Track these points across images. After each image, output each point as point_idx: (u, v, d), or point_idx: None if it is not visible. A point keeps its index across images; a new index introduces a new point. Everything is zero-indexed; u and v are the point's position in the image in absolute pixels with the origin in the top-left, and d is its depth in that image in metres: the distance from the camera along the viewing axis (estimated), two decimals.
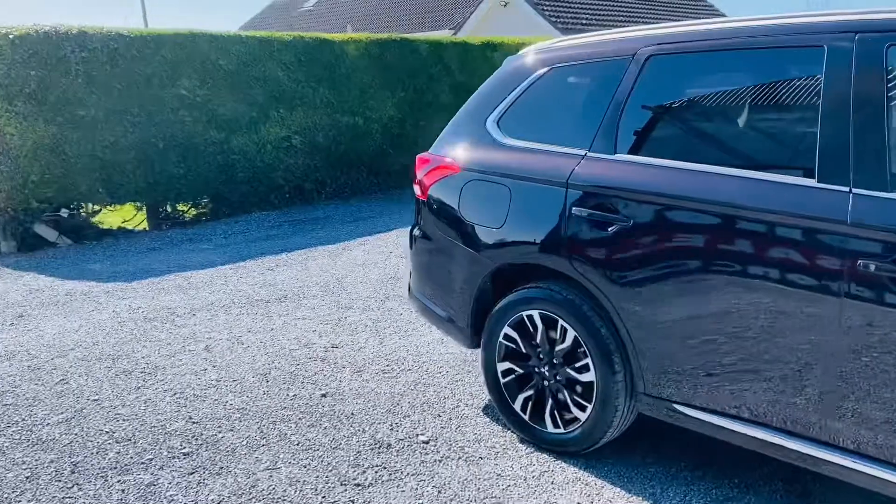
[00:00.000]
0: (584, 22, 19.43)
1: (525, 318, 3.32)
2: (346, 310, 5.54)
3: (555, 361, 3.26)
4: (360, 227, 8.61)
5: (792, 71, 2.70)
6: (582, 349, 3.13)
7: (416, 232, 3.90)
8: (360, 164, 10.80)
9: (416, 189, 3.87)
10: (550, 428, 3.32)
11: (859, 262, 2.32)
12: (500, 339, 3.43)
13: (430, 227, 3.78)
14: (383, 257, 7.13)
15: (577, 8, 20.58)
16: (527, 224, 3.27)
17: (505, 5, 19.76)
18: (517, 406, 3.43)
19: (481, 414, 3.76)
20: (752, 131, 2.87)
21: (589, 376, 3.12)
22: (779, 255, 2.51)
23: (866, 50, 2.40)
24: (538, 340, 3.30)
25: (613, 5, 22.26)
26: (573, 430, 3.23)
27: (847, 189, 2.39)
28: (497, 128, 3.49)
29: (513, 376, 3.45)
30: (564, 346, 3.20)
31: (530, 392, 3.38)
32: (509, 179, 3.34)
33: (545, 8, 19.23)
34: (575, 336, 3.13)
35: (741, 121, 2.89)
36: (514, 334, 3.38)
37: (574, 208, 3.06)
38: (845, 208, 2.37)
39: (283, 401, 3.97)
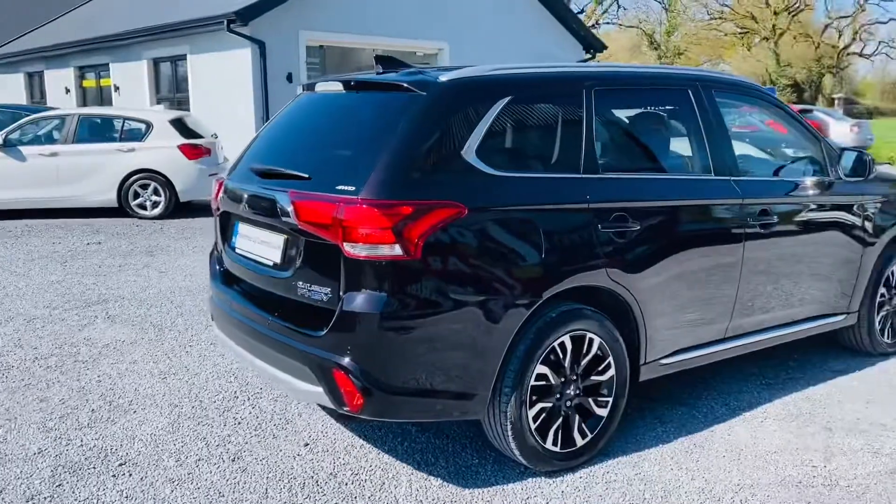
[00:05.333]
0: None
1: (557, 348, 3.27)
2: None
3: (574, 378, 3.39)
4: None
5: (671, 101, 3.85)
6: (600, 352, 3.45)
7: (386, 309, 2.87)
8: None
9: (379, 250, 2.84)
10: (580, 442, 3.43)
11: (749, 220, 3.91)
12: (532, 382, 3.21)
13: (428, 292, 2.91)
14: None
15: None
16: (566, 251, 3.22)
17: None
18: (549, 443, 3.32)
19: None
20: (678, 144, 3.85)
21: (609, 373, 3.48)
22: (716, 226, 3.80)
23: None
24: (567, 364, 3.33)
25: None
26: (599, 429, 3.49)
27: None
28: (480, 161, 3.09)
29: (543, 416, 3.30)
30: (589, 356, 3.40)
31: (559, 421, 3.35)
32: (534, 212, 3.15)
33: None
34: (600, 342, 3.42)
35: (678, 137, 3.81)
36: (545, 370, 3.26)
37: (599, 225, 3.33)
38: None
39: None
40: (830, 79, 56.39)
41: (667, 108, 3.85)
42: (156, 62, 15.07)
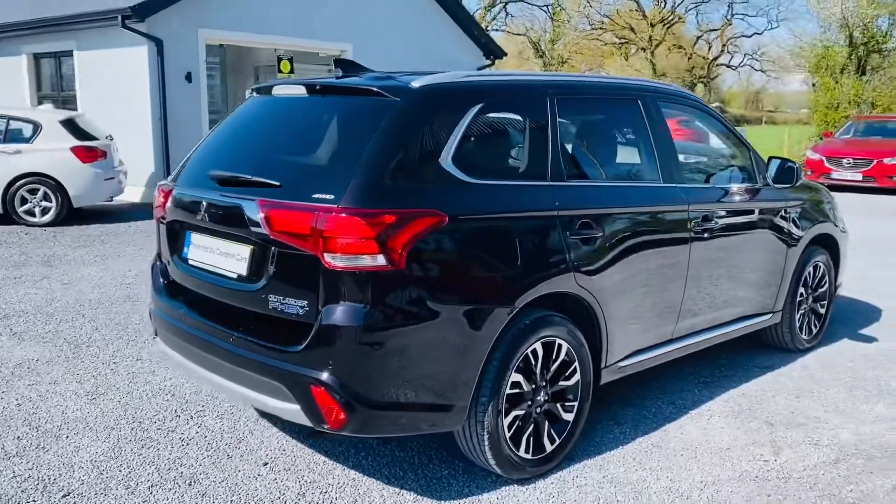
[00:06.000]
0: None
1: (529, 355, 3.28)
2: None
3: (543, 384, 3.41)
4: None
5: (623, 110, 3.94)
6: (567, 358, 3.49)
7: (368, 321, 2.79)
8: None
9: (360, 261, 2.75)
10: (549, 447, 3.44)
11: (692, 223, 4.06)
12: (507, 391, 3.21)
13: (412, 303, 2.84)
14: None
15: None
16: (539, 258, 3.23)
17: None
18: (522, 451, 3.33)
19: None
20: (630, 152, 3.91)
21: (575, 378, 3.52)
22: (667, 231, 3.92)
23: None
24: (538, 371, 3.34)
25: None
26: (566, 433, 3.52)
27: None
28: (457, 168, 3.05)
29: (517, 423, 3.30)
30: (558, 362, 3.43)
31: (530, 428, 3.36)
32: (508, 220, 3.15)
33: None
34: (567, 348, 3.45)
35: (630, 145, 3.87)
36: (519, 378, 3.26)
37: (567, 231, 3.36)
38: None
39: None
40: (702, 88, 59.73)
41: (620, 117, 3.95)
42: (37, 58, 14.05)
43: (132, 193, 11.89)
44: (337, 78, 3.45)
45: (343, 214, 2.77)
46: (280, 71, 14.16)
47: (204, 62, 12.62)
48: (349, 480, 3.37)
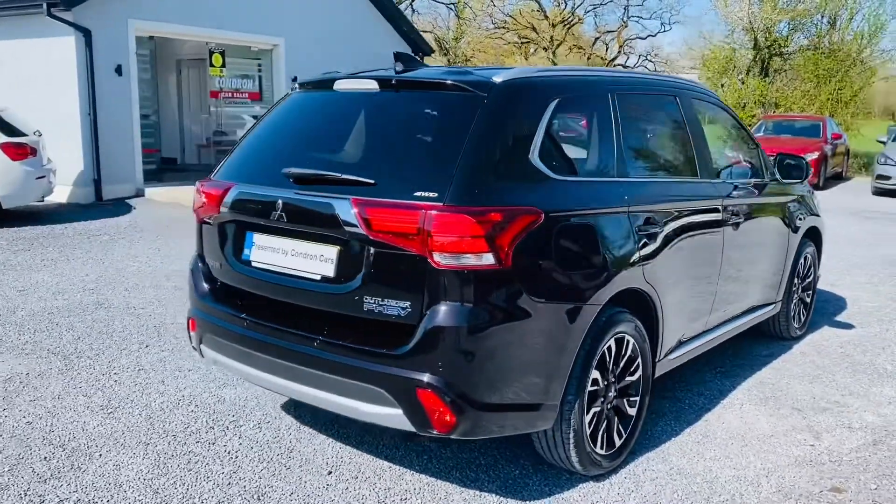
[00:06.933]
0: None
1: (605, 352, 3.29)
2: None
3: (612, 380, 3.42)
4: None
5: (666, 106, 4.00)
6: (632, 354, 3.52)
7: (478, 321, 2.72)
8: None
9: (466, 259, 2.69)
10: (618, 442, 3.47)
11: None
12: (589, 388, 3.21)
13: (517, 301, 2.79)
14: None
15: None
16: (617, 254, 3.24)
17: None
18: (598, 447, 3.33)
19: None
20: (678, 148, 3.95)
21: (638, 373, 3.56)
22: (709, 225, 4.02)
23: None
24: (610, 367, 3.36)
25: None
26: (631, 428, 3.55)
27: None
28: (543, 165, 3.01)
29: (595, 419, 3.30)
30: (625, 358, 3.45)
31: (605, 424, 3.37)
32: (589, 216, 3.15)
33: None
34: (633, 344, 3.48)
35: (673, 141, 3.91)
36: (597, 374, 3.26)
37: (635, 227, 3.39)
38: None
39: None
40: None
41: (664, 113, 4.01)
42: None
43: (60, 193, 11.15)
44: (397, 72, 3.32)
45: (452, 213, 2.68)
46: (212, 65, 13.63)
47: (134, 54, 11.97)
48: (424, 485, 3.28)
